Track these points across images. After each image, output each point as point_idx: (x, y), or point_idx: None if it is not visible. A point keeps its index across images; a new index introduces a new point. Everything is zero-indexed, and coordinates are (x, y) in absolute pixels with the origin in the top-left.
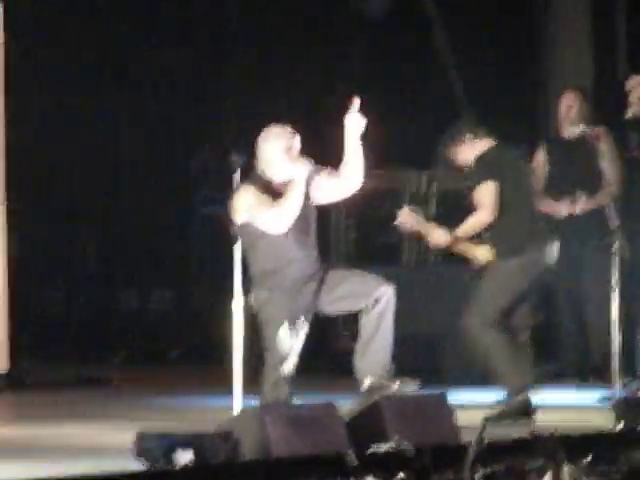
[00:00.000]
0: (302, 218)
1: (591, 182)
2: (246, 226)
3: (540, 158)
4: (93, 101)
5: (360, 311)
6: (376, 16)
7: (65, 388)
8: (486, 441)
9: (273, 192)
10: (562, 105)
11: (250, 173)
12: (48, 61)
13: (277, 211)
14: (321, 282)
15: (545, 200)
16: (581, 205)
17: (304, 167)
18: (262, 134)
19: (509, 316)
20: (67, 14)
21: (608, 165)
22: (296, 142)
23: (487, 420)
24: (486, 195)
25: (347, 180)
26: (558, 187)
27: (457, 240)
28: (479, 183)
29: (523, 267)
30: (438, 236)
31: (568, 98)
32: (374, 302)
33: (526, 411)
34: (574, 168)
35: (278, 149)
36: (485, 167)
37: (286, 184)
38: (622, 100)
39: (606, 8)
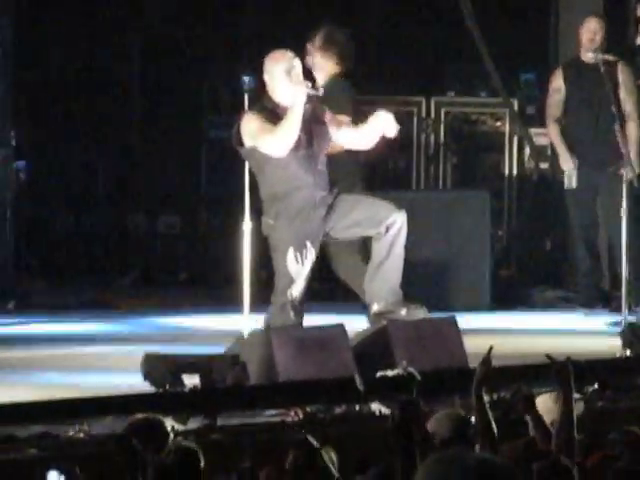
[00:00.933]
0: (309, 144)
1: (608, 107)
2: (252, 151)
3: (558, 81)
4: (108, 24)
5: (371, 237)
6: None
7: (73, 310)
8: (493, 366)
9: (281, 117)
10: (585, 31)
11: (260, 97)
12: None
13: (275, 135)
14: (331, 208)
15: (562, 142)
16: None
17: (303, 90)
18: (265, 58)
19: None
20: None
21: (626, 96)
22: (296, 64)
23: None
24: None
25: (364, 139)
26: (577, 109)
27: None
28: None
29: None
30: None
31: (592, 24)
32: (386, 229)
33: None
34: (593, 91)
35: (278, 72)
36: (344, 100)
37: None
38: (634, 27)
39: None
